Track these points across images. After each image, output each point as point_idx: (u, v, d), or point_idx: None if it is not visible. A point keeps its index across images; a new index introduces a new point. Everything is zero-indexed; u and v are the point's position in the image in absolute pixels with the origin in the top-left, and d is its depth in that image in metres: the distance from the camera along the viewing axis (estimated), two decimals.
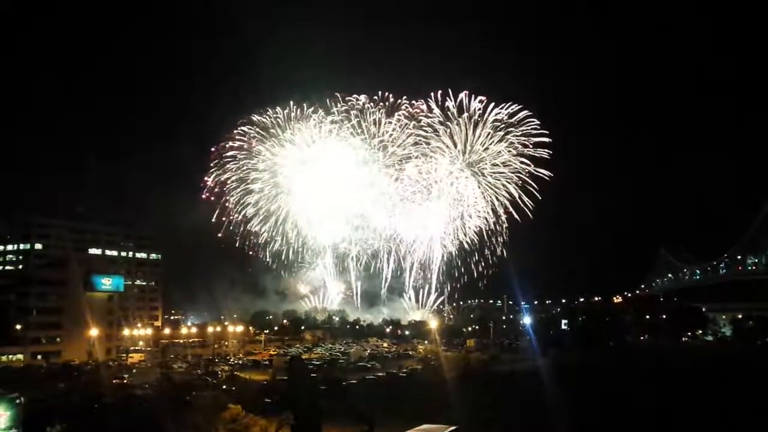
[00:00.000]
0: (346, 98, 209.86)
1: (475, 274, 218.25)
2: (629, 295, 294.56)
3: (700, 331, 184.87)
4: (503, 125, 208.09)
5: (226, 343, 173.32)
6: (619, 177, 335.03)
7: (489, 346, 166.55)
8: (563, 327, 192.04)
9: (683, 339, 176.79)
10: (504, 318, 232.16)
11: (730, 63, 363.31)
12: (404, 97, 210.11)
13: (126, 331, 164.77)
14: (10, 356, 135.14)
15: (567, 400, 75.39)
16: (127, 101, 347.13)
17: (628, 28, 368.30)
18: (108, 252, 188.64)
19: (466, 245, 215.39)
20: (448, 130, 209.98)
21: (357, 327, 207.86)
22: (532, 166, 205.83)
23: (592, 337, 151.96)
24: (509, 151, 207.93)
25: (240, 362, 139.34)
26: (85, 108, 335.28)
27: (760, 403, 69.14)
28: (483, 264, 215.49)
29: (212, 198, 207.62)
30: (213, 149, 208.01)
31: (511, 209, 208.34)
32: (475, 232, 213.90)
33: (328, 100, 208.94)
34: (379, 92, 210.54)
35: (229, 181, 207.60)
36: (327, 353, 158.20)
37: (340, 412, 72.61)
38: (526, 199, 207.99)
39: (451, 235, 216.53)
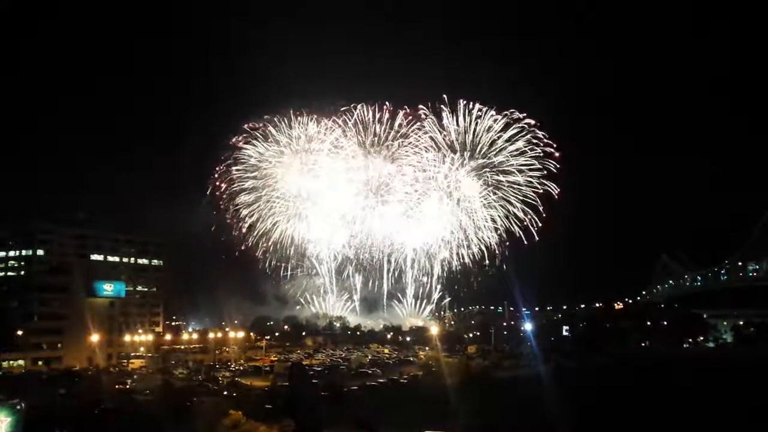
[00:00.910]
0: (347, 105, 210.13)
1: (476, 280, 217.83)
2: (630, 301, 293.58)
3: (702, 338, 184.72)
4: (507, 133, 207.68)
5: (227, 349, 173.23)
6: (620, 183, 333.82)
7: (490, 352, 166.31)
8: (564, 333, 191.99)
9: (684, 345, 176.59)
10: (505, 324, 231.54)
11: (732, 65, 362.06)
12: (404, 107, 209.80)
13: (127, 337, 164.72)
14: (12, 362, 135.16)
15: (567, 407, 75.45)
16: (129, 107, 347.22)
17: (630, 35, 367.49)
18: (110, 258, 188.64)
19: (467, 252, 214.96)
20: (451, 137, 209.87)
21: (358, 333, 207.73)
22: (536, 177, 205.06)
23: (593, 344, 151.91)
24: (513, 158, 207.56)
25: (241, 368, 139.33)
26: (86, 113, 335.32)
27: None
28: (484, 270, 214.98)
29: (214, 204, 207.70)
30: (215, 155, 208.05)
31: (513, 222, 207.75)
32: (477, 239, 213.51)
33: (328, 107, 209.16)
34: (382, 100, 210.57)
35: (230, 188, 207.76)
36: (328, 359, 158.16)
37: (341, 419, 72.75)
38: (529, 210, 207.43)
39: (452, 241, 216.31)
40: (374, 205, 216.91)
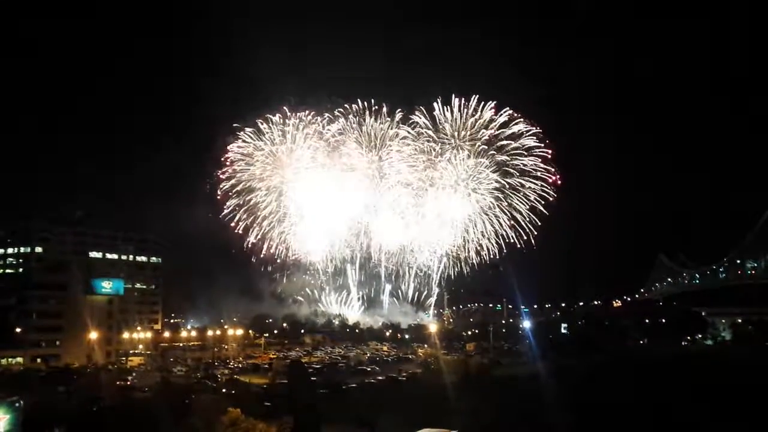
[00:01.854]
0: (347, 102, 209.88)
1: (475, 278, 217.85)
2: (629, 299, 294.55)
3: (700, 336, 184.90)
4: (507, 131, 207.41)
5: (226, 347, 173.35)
6: (618, 181, 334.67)
7: (489, 350, 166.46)
8: (563, 331, 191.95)
9: (683, 343, 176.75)
10: (504, 322, 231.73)
11: (731, 66, 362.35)
12: (400, 109, 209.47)
13: (126, 335, 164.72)
14: (10, 359, 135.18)
15: (566, 405, 75.50)
16: (128, 105, 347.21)
17: (629, 35, 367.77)
18: (108, 255, 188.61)
19: (466, 250, 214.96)
20: (449, 135, 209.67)
21: (357, 331, 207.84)
22: (538, 182, 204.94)
23: (591, 342, 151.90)
24: (513, 156, 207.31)
25: (240, 366, 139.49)
26: (85, 112, 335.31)
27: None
28: (483, 268, 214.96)
29: (212, 201, 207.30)
30: (212, 154, 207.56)
31: (513, 220, 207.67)
32: (476, 238, 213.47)
33: (327, 105, 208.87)
34: (380, 98, 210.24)
35: (228, 185, 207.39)
36: (327, 357, 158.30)
37: (340, 416, 72.80)
38: (528, 209, 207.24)
39: (451, 240, 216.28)
40: (373, 203, 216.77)
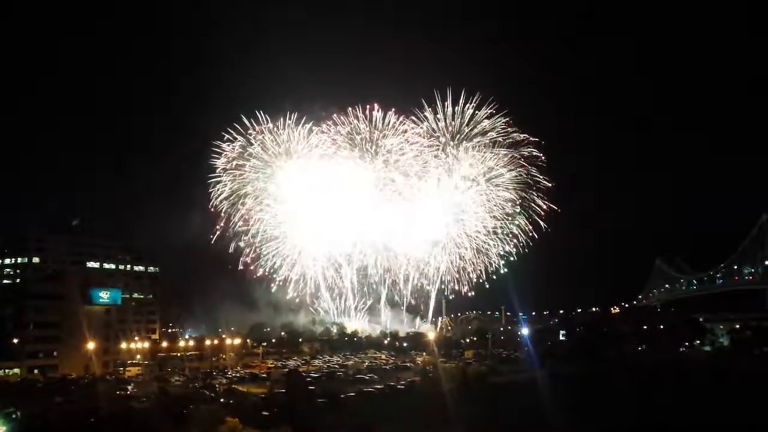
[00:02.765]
0: (338, 107, 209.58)
1: (473, 285, 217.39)
2: (627, 305, 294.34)
3: (698, 342, 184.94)
4: (503, 138, 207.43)
5: (224, 356, 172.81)
6: (616, 188, 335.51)
7: (487, 358, 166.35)
8: (561, 338, 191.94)
9: (681, 349, 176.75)
10: (502, 329, 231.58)
11: (730, 67, 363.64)
12: (393, 112, 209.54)
13: (123, 345, 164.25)
14: (7, 370, 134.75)
15: (565, 412, 75.55)
16: (126, 113, 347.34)
17: (629, 34, 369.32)
18: (106, 265, 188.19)
19: (464, 257, 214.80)
20: (448, 141, 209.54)
21: (355, 339, 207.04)
22: (534, 189, 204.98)
23: (590, 349, 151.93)
24: (507, 164, 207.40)
25: (238, 375, 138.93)
26: (82, 121, 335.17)
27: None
28: (481, 275, 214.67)
29: (209, 211, 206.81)
30: (209, 162, 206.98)
31: (511, 226, 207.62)
32: (474, 244, 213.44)
33: (319, 110, 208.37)
34: (371, 101, 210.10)
35: (225, 194, 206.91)
36: (325, 366, 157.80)
37: (338, 425, 72.69)
38: (525, 216, 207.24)
39: (450, 247, 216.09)
40: (370, 208, 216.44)
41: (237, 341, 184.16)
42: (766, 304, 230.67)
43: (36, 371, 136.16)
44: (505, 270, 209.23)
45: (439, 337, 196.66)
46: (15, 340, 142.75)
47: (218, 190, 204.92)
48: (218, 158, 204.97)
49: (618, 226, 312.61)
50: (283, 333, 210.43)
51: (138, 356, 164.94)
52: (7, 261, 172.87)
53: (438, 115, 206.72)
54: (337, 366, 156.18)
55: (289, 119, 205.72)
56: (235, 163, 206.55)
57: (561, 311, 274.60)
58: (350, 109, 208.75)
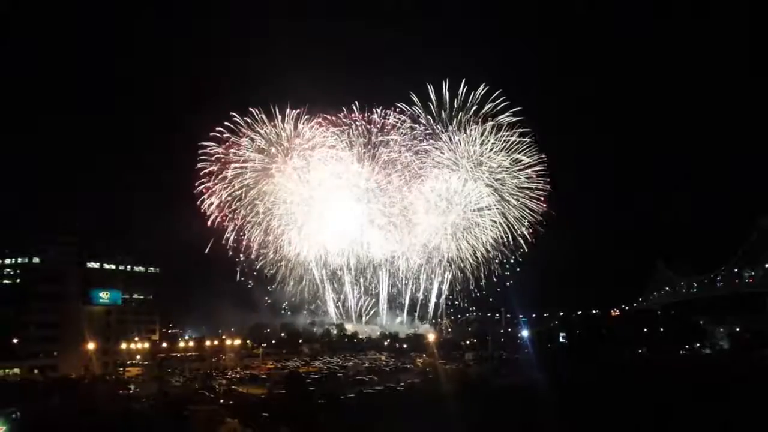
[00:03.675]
0: (335, 107, 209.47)
1: (473, 287, 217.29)
2: (627, 308, 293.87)
3: (698, 344, 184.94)
4: (504, 134, 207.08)
5: (224, 357, 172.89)
6: (616, 190, 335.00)
7: (487, 360, 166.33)
8: (561, 340, 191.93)
9: (681, 352, 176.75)
10: (502, 331, 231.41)
11: (729, 69, 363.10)
12: (389, 109, 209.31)
13: (123, 345, 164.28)
14: (7, 370, 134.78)
15: (565, 414, 75.48)
16: (127, 113, 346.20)
17: (628, 34, 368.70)
18: (106, 266, 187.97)
19: (464, 259, 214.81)
20: (447, 138, 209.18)
21: (355, 340, 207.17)
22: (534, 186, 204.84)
23: (590, 351, 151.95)
24: (510, 163, 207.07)
25: (237, 376, 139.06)
26: (82, 120, 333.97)
27: None
28: (481, 277, 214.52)
29: (208, 210, 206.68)
30: (205, 163, 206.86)
31: (511, 228, 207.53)
32: (474, 245, 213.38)
33: (317, 110, 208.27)
34: (370, 101, 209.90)
35: (223, 194, 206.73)
36: (325, 367, 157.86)
37: (338, 426, 72.72)
38: (526, 218, 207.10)
39: (450, 248, 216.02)
40: (368, 209, 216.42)
41: (237, 342, 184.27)
42: (766, 306, 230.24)
43: (36, 371, 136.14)
44: (507, 271, 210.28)
45: (439, 338, 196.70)
46: (15, 341, 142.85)
47: (216, 190, 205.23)
48: (213, 159, 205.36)
49: (618, 228, 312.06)
50: (283, 334, 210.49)
51: (138, 357, 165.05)
52: (8, 261, 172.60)
53: (438, 106, 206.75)
54: (337, 367, 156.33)
55: (289, 117, 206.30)
56: (232, 166, 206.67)
57: (561, 313, 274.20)
58: (349, 108, 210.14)
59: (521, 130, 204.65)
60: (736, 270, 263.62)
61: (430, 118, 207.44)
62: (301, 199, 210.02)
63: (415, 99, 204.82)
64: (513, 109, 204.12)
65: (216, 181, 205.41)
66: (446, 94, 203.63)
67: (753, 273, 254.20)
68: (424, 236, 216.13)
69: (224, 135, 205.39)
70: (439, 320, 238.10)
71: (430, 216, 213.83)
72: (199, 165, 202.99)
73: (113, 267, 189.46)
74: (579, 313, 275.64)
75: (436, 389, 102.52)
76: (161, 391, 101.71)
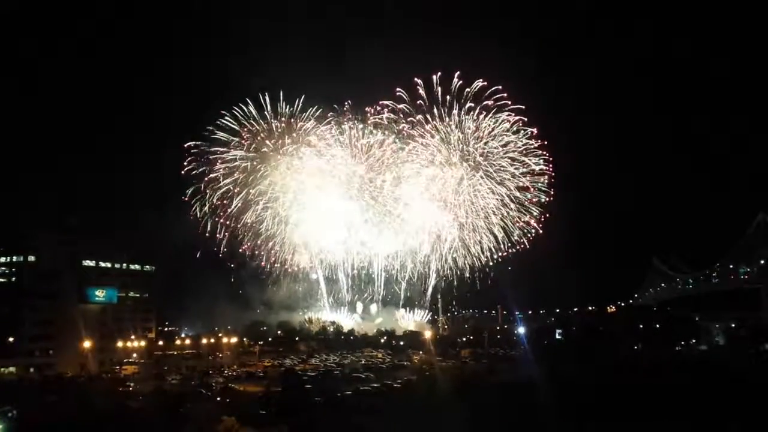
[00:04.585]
0: (332, 104, 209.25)
1: (470, 283, 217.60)
2: (623, 304, 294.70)
3: (694, 341, 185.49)
4: (499, 128, 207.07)
5: (221, 355, 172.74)
6: (612, 186, 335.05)
7: (483, 357, 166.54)
8: (557, 337, 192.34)
9: (677, 348, 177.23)
10: (498, 328, 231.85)
11: (724, 70, 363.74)
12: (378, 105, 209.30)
13: (119, 343, 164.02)
14: (3, 369, 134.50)
15: (561, 411, 75.57)
16: (125, 111, 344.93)
17: (627, 33, 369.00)
18: (101, 264, 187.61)
19: (460, 256, 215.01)
20: (440, 132, 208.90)
21: (351, 338, 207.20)
22: (530, 184, 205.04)
23: (586, 348, 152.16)
24: (507, 158, 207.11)
25: (234, 374, 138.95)
26: (76, 118, 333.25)
27: None
28: (477, 274, 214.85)
29: (202, 208, 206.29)
30: (199, 159, 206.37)
31: (507, 226, 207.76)
32: (470, 242, 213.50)
33: (313, 108, 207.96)
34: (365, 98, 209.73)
35: (217, 192, 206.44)
36: (322, 364, 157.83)
37: (335, 423, 72.70)
38: (522, 215, 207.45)
39: (445, 245, 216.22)
40: (363, 206, 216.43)
41: (233, 340, 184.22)
42: (762, 302, 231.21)
43: (32, 370, 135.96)
44: (503, 267, 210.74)
45: (435, 335, 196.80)
46: (11, 339, 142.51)
47: (209, 187, 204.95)
48: (205, 157, 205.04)
49: (615, 225, 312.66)
50: (279, 332, 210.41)
51: (134, 355, 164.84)
52: (2, 260, 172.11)
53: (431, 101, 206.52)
54: (333, 365, 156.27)
55: (281, 113, 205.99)
56: (225, 165, 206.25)
57: (557, 310, 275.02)
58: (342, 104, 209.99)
59: (522, 130, 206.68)
60: (731, 266, 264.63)
61: (424, 111, 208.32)
62: (295, 196, 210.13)
63: (404, 95, 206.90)
64: (512, 108, 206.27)
65: (207, 179, 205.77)
66: (438, 90, 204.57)
67: (749, 269, 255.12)
68: (420, 233, 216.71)
69: (223, 134, 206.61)
70: (436, 317, 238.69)
71: (427, 212, 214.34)
72: (191, 163, 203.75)
73: (109, 265, 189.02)
74: (575, 309, 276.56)
75: (432, 386, 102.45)
76: (158, 389, 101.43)
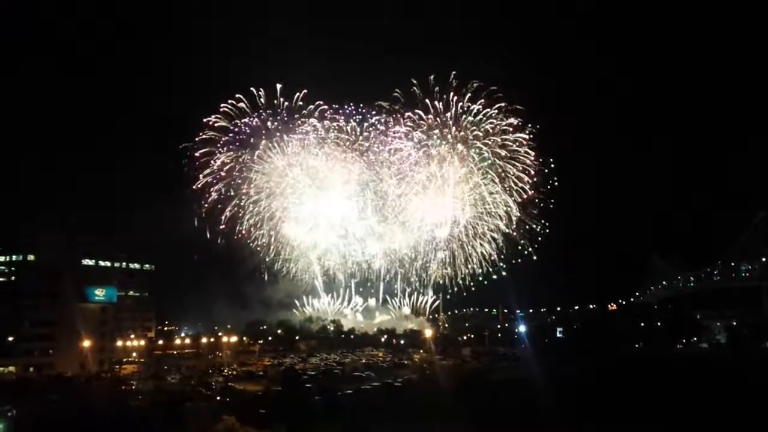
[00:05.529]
0: (331, 101, 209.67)
1: (470, 282, 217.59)
2: (623, 302, 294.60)
3: (695, 339, 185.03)
4: (497, 126, 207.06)
5: (220, 354, 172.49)
6: (613, 184, 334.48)
7: (484, 355, 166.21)
8: (558, 335, 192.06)
9: (678, 346, 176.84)
10: (499, 326, 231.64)
11: (726, 72, 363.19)
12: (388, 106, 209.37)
13: (119, 343, 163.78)
14: (3, 368, 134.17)
15: (562, 409, 75.37)
16: (125, 111, 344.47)
17: (625, 32, 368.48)
18: (101, 263, 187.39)
19: (460, 254, 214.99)
20: (439, 132, 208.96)
21: (352, 337, 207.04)
22: (528, 182, 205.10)
23: (587, 346, 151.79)
24: (503, 154, 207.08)
25: (234, 373, 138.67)
26: (77, 116, 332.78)
27: None
28: (478, 272, 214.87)
29: (201, 206, 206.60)
30: (196, 158, 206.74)
31: (507, 225, 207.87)
32: (470, 242, 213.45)
33: (311, 108, 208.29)
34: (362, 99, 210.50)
35: (214, 190, 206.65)
36: (322, 363, 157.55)
37: (335, 423, 72.43)
38: (523, 213, 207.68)
39: (445, 243, 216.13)
40: (364, 205, 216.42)
41: (233, 339, 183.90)
42: (763, 300, 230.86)
43: (32, 369, 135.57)
44: (504, 267, 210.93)
45: (436, 334, 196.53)
46: (10, 339, 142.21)
47: (209, 185, 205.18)
48: (206, 155, 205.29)
49: (615, 223, 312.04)
50: (279, 330, 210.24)
51: (134, 354, 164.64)
52: (2, 259, 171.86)
53: (435, 107, 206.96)
54: (334, 364, 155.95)
55: (282, 110, 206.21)
56: (225, 165, 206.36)
57: (558, 309, 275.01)
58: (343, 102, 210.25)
59: (523, 127, 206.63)
60: (733, 264, 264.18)
61: (425, 110, 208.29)
62: (295, 194, 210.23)
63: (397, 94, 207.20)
64: (511, 108, 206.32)
65: (209, 177, 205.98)
66: (437, 90, 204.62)
67: (750, 267, 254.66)
68: (421, 231, 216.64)
69: (214, 133, 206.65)
70: (437, 316, 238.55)
71: (428, 210, 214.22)
72: (191, 163, 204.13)
73: (109, 264, 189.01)
74: (576, 308, 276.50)
75: (433, 385, 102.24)
76: (158, 388, 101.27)
